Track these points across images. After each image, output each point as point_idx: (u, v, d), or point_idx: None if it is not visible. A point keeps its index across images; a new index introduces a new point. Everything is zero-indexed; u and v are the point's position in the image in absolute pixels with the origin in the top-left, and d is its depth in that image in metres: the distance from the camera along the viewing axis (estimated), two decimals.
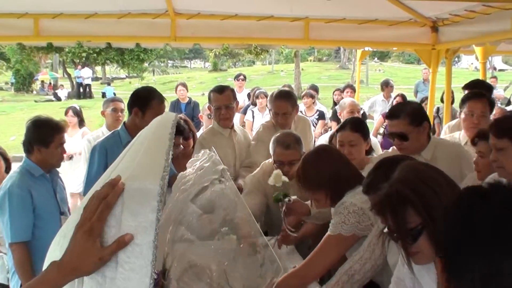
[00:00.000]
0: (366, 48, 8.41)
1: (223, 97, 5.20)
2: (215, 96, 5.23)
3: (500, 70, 39.70)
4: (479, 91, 4.91)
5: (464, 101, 4.65)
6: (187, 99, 10.68)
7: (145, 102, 4.55)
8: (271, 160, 4.50)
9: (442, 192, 2.17)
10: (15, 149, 16.15)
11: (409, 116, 3.96)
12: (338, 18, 6.64)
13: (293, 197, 3.89)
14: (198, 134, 6.09)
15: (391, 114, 4.09)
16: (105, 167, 4.12)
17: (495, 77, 20.79)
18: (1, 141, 19.23)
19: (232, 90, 5.39)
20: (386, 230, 2.28)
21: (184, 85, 10.82)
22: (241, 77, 12.87)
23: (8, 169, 5.03)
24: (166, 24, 6.42)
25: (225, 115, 5.21)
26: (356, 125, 4.32)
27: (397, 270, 2.58)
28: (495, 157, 3.24)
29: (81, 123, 8.50)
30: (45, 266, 1.74)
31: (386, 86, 11.99)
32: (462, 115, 4.70)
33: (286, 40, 7.08)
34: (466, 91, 5.28)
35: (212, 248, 3.61)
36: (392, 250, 2.89)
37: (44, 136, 4.24)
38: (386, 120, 4.51)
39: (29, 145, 4.26)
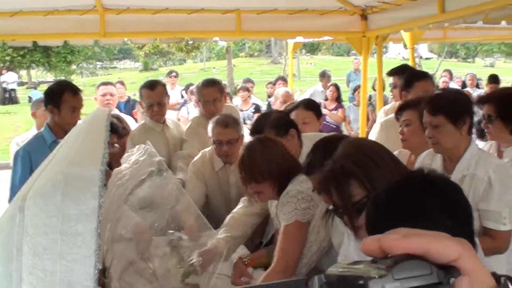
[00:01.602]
0: (298, 38, 8.45)
1: (154, 94, 5.08)
2: (146, 92, 5.11)
3: (426, 58, 40.71)
4: (423, 71, 4.98)
5: (411, 82, 4.66)
6: (126, 97, 10.32)
7: (57, 97, 4.44)
8: (209, 148, 4.47)
9: (385, 165, 2.19)
10: None
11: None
12: (270, 9, 6.61)
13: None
14: None
15: None
16: (30, 172, 4.02)
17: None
18: None
19: (164, 86, 5.31)
20: (331, 207, 2.28)
21: (122, 83, 10.60)
22: (173, 74, 12.77)
23: None
24: (95, 20, 6.23)
25: (157, 112, 5.10)
26: (309, 103, 4.37)
27: (343, 248, 2.58)
28: (430, 134, 3.27)
29: None
30: None
31: (323, 76, 12.37)
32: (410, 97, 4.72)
33: (218, 32, 7.03)
34: (392, 78, 5.35)
35: (154, 244, 3.55)
36: (336, 230, 2.89)
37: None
38: None
39: None
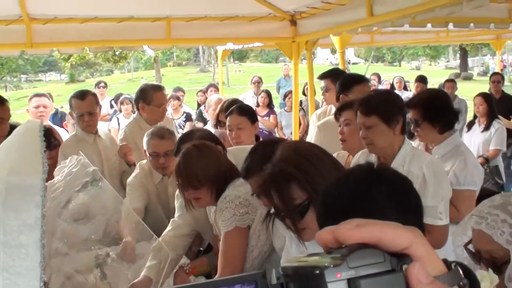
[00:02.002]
0: (228, 45, 8.46)
1: (85, 104, 4.96)
2: (76, 102, 4.99)
3: (354, 63, 41.52)
4: (361, 75, 5.04)
5: (349, 85, 4.69)
6: (54, 109, 10.06)
7: None
8: (145, 161, 4.41)
9: (324, 167, 2.22)
10: None
11: None
12: (199, 16, 6.60)
13: None
14: None
15: None
16: None
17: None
18: None
19: (94, 95, 5.20)
20: (272, 211, 2.29)
21: (50, 95, 10.32)
22: (102, 84, 12.60)
23: None
24: (21, 30, 6.05)
25: (89, 122, 4.97)
26: (242, 109, 4.37)
27: (286, 251, 2.58)
28: (364, 134, 3.32)
29: None
30: None
31: (256, 83, 12.49)
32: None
33: (148, 40, 6.97)
34: (323, 81, 5.40)
35: (91, 257, 3.48)
36: (277, 234, 2.90)
37: None
38: None
39: None
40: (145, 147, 4.28)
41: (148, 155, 4.28)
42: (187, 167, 3.21)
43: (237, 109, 4.37)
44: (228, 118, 4.37)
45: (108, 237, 3.22)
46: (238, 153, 3.58)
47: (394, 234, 0.62)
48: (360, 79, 4.88)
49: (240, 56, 54.48)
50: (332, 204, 1.56)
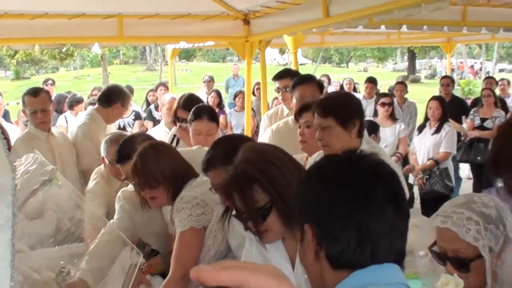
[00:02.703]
0: (181, 44, 8.40)
1: (38, 100, 4.95)
2: (29, 99, 4.96)
3: (301, 64, 41.70)
4: (308, 75, 5.02)
5: (294, 87, 4.71)
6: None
7: None
8: (102, 166, 4.37)
9: (287, 169, 2.23)
10: None
11: None
12: (152, 14, 6.53)
13: None
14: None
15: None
16: None
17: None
18: None
19: (47, 92, 5.19)
20: (234, 213, 2.29)
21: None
22: (50, 81, 12.38)
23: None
24: None
25: (42, 119, 4.96)
26: (213, 115, 4.33)
27: (246, 252, 2.58)
28: (320, 136, 3.35)
29: None
30: None
31: (207, 82, 12.37)
32: (294, 100, 4.76)
33: (99, 38, 6.88)
34: (278, 82, 5.40)
35: (47, 256, 3.43)
36: (233, 232, 2.90)
37: None
38: None
39: None
40: (103, 154, 4.22)
41: (106, 161, 4.22)
42: (144, 166, 3.18)
43: (207, 114, 4.30)
44: (197, 122, 4.28)
45: (60, 234, 3.17)
46: (187, 154, 3.55)
47: (256, 282, 0.62)
48: (300, 80, 4.81)
49: (187, 55, 54.27)
50: (328, 198, 1.55)
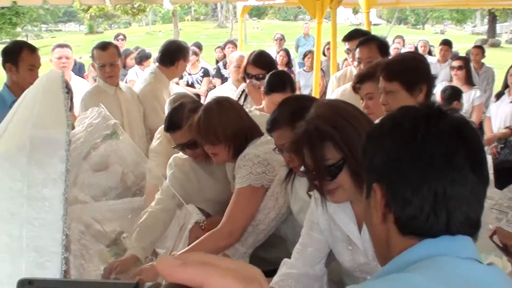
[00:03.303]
0: (250, 1, 8.34)
1: (106, 54, 4.95)
2: (98, 53, 4.98)
3: (375, 24, 40.88)
4: (366, 37, 4.86)
5: (355, 50, 4.60)
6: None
7: (15, 55, 4.36)
8: None
9: (361, 127, 2.12)
10: None
11: None
12: None
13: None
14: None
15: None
16: None
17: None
18: None
19: (116, 47, 5.18)
20: (302, 169, 2.23)
21: (69, 46, 10.25)
22: (121, 37, 12.51)
23: None
24: None
25: (110, 73, 4.97)
26: (294, 85, 4.25)
27: (310, 213, 2.53)
28: (384, 100, 3.21)
29: None
30: None
31: (278, 40, 12.24)
32: (355, 63, 4.65)
33: None
34: (347, 43, 5.28)
35: (110, 208, 3.51)
36: (296, 196, 2.88)
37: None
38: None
39: None
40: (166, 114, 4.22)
41: None
42: (207, 122, 3.16)
43: (290, 86, 4.23)
44: (277, 94, 4.23)
45: (122, 187, 3.23)
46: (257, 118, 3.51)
47: (218, 283, 0.58)
48: (358, 43, 4.60)
49: (259, 12, 53.97)
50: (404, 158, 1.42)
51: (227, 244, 2.96)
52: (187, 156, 3.61)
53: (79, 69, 9.64)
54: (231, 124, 3.14)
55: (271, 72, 4.38)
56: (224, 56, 11.02)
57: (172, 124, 3.59)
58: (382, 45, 4.57)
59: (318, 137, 2.11)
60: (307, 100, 2.75)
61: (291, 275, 2.47)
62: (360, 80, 3.69)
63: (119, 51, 5.18)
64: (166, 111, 4.20)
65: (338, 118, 2.16)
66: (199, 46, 11.70)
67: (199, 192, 3.61)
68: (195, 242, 3.01)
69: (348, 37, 5.28)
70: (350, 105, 2.32)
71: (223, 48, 11.60)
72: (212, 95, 6.59)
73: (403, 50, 12.49)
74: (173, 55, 5.49)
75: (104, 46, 5.03)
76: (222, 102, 3.26)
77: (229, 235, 2.94)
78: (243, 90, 5.04)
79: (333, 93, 4.88)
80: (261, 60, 4.74)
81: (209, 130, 3.14)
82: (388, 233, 1.40)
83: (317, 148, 2.11)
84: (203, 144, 3.23)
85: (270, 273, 2.98)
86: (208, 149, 3.22)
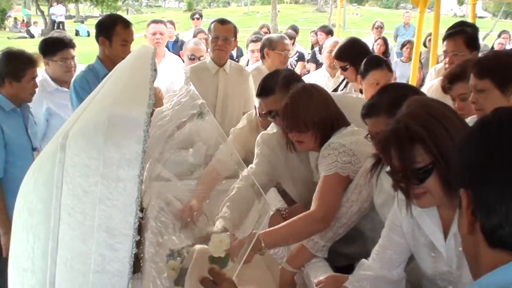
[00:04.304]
0: None
1: (224, 28, 5.08)
2: (216, 26, 5.10)
3: (480, 17, 39.50)
4: (454, 30, 4.62)
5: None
6: (174, 37, 9.91)
7: (109, 29, 4.42)
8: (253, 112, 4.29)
9: (455, 130, 2.00)
10: None
11: None
12: None
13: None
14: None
15: None
16: None
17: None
18: None
19: (235, 27, 5.24)
20: (387, 170, 2.13)
21: (172, 23, 10.32)
22: (196, 15, 12.55)
23: None
24: None
25: (221, 47, 5.05)
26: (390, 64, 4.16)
27: (392, 214, 2.44)
28: (474, 98, 3.05)
29: None
30: (17, 201, 1.59)
31: (378, 28, 12.14)
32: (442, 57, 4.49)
33: None
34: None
35: (191, 188, 3.51)
36: (380, 189, 2.78)
37: (16, 70, 4.03)
38: None
39: None
40: (256, 104, 4.16)
41: (257, 112, 4.17)
42: (295, 109, 3.08)
43: (386, 64, 4.16)
44: (375, 72, 4.16)
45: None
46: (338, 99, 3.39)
47: None
48: (445, 35, 4.49)
49: None
50: None
51: (319, 228, 2.90)
52: (275, 131, 3.55)
53: (180, 47, 9.71)
54: (319, 112, 3.08)
55: (367, 56, 4.29)
56: (317, 41, 10.89)
57: (265, 89, 3.55)
58: (469, 39, 4.40)
59: (407, 138, 2.00)
60: (408, 89, 2.63)
61: (367, 276, 2.41)
62: (451, 80, 3.54)
63: (236, 31, 5.25)
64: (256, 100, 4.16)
65: (430, 119, 2.03)
66: (295, 29, 11.62)
67: (288, 169, 3.56)
68: (287, 221, 2.97)
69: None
70: (444, 105, 2.17)
71: (316, 33, 11.47)
72: (305, 80, 6.54)
73: (508, 47, 11.91)
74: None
75: (223, 21, 5.18)
76: (310, 89, 3.19)
77: (322, 220, 2.88)
78: (344, 78, 5.00)
79: (430, 86, 4.71)
80: (343, 53, 4.67)
81: (296, 117, 3.08)
82: (476, 245, 1.28)
83: (406, 149, 2.00)
84: (288, 130, 3.17)
85: (346, 268, 2.92)
86: (294, 136, 3.16)
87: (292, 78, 3.59)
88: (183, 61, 6.27)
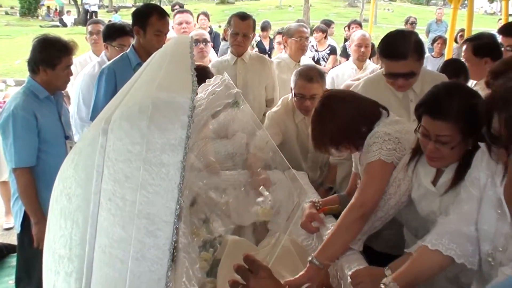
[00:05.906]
0: None
1: (243, 24, 5.11)
2: (236, 21, 5.12)
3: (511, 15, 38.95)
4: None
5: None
6: (208, 28, 9.89)
7: (144, 19, 4.39)
8: (289, 96, 4.33)
9: None
10: (20, 72, 16.01)
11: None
12: None
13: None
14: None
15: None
16: (114, 92, 3.97)
17: None
18: (6, 65, 19.12)
19: (254, 21, 5.25)
20: (484, 131, 1.97)
21: (206, 14, 10.25)
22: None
23: None
24: None
25: (240, 43, 5.13)
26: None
27: (473, 167, 2.27)
28: None
29: None
30: (55, 186, 1.57)
31: (411, 24, 12.22)
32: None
33: None
34: (501, 36, 4.85)
35: (225, 178, 3.50)
36: (418, 182, 2.74)
37: (50, 58, 4.02)
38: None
39: (34, 65, 4.01)
40: (291, 85, 4.17)
41: (294, 94, 4.18)
42: (321, 131, 3.02)
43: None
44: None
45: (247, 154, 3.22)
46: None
47: None
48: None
49: None
50: None
51: (361, 213, 2.83)
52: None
53: (214, 38, 9.70)
54: (346, 123, 2.98)
55: None
56: (348, 35, 10.85)
57: (398, 52, 3.45)
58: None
59: None
60: (474, 95, 2.53)
61: (447, 230, 2.29)
62: (494, 76, 3.44)
63: (254, 26, 5.28)
64: (292, 82, 4.18)
65: None
66: (327, 23, 11.55)
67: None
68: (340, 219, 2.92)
69: (502, 31, 4.86)
70: None
71: (347, 27, 11.41)
72: (332, 73, 6.53)
73: None
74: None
75: (244, 17, 5.18)
76: (328, 104, 3.07)
77: (361, 205, 2.82)
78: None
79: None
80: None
81: (323, 139, 3.02)
82: None
83: None
84: (325, 152, 3.13)
85: (383, 256, 2.88)
86: (332, 153, 3.15)
87: (421, 42, 3.58)
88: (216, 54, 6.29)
